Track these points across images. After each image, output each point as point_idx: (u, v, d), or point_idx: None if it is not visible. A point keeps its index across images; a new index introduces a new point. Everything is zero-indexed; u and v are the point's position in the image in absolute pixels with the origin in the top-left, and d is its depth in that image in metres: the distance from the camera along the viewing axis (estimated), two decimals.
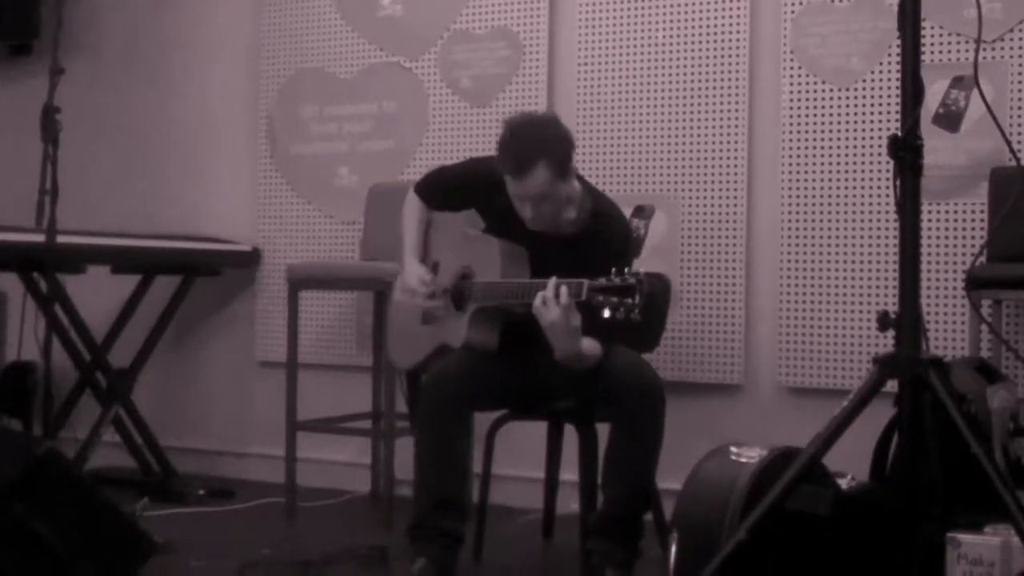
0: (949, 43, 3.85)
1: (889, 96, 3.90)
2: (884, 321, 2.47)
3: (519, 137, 3.19)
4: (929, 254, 3.80)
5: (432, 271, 3.48)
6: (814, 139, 4.02)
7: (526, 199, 3.19)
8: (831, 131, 4.00)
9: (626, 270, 2.89)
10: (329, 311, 4.79)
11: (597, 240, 3.29)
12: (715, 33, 4.17)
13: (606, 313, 2.89)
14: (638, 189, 4.26)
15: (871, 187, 3.94)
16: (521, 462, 4.05)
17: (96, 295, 4.76)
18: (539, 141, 3.17)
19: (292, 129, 4.90)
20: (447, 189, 3.53)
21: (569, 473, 3.71)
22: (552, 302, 2.98)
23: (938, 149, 3.77)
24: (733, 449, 2.68)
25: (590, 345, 3.16)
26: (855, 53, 3.98)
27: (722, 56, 4.16)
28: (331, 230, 4.81)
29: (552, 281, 3.02)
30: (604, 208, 3.38)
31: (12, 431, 4.41)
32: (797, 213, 4.04)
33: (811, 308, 4.01)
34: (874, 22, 3.95)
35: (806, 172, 4.03)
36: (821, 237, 4.01)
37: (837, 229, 3.99)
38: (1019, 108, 3.77)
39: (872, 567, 2.61)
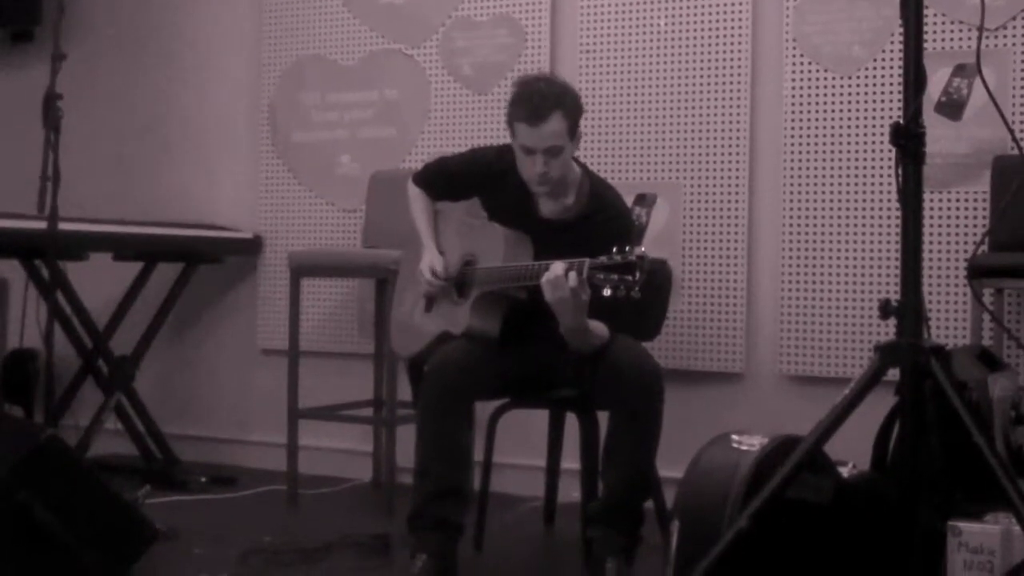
0: (951, 31, 3.84)
1: (891, 84, 3.89)
2: (886, 309, 2.47)
3: (537, 87, 3.25)
4: (931, 242, 3.80)
5: None
6: (816, 127, 4.02)
7: (537, 151, 3.21)
8: (833, 119, 4.00)
9: (627, 248, 2.90)
10: (331, 298, 4.79)
11: (597, 222, 3.30)
12: (717, 21, 4.16)
13: (607, 292, 2.91)
14: (640, 177, 4.25)
15: (873, 175, 3.94)
16: (522, 450, 4.05)
17: (98, 282, 4.76)
18: (557, 92, 3.24)
19: (293, 116, 4.89)
20: (449, 179, 3.53)
21: (570, 461, 3.72)
22: (561, 280, 2.99)
23: (940, 137, 3.77)
24: (734, 437, 2.68)
25: (597, 326, 3.17)
26: (857, 41, 3.97)
27: (724, 44, 4.15)
28: (333, 217, 4.81)
29: (555, 264, 3.02)
30: (602, 190, 3.39)
31: (14, 418, 4.41)
32: (799, 201, 4.04)
33: (812, 296, 4.01)
34: (876, 10, 3.94)
35: (808, 160, 4.03)
36: (823, 225, 4.00)
37: (839, 217, 3.99)
38: (1022, 96, 3.76)
39: (873, 555, 2.61)
